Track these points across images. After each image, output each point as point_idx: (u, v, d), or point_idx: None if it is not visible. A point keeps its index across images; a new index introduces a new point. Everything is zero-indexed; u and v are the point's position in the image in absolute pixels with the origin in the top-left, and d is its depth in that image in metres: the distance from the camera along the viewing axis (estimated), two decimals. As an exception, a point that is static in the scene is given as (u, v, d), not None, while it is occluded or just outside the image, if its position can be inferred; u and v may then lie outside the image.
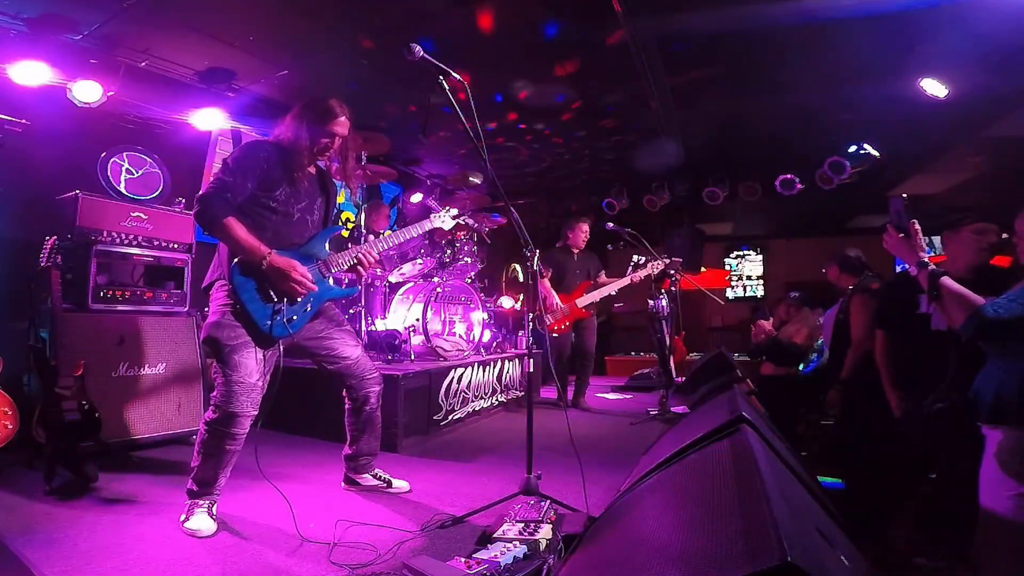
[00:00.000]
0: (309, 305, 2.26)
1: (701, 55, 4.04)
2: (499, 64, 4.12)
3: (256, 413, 2.15)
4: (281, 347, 2.23)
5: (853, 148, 5.67)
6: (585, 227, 5.03)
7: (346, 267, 2.36)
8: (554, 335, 4.75)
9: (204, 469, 2.11)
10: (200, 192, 2.11)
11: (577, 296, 4.83)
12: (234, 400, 2.08)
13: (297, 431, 3.58)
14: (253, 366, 2.12)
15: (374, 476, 2.59)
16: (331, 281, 2.34)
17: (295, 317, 2.21)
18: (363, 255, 2.37)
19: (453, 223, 2.84)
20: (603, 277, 5.06)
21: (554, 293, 4.76)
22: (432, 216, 2.81)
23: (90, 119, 3.70)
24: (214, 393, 2.13)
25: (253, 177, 2.17)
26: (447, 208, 2.88)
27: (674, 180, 6.80)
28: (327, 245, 2.37)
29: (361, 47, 3.84)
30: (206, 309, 2.24)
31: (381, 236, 2.59)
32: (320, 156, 2.31)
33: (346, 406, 2.52)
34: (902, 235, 1.76)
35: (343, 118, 2.28)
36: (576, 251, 5.04)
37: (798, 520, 0.92)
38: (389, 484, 2.58)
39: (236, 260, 2.11)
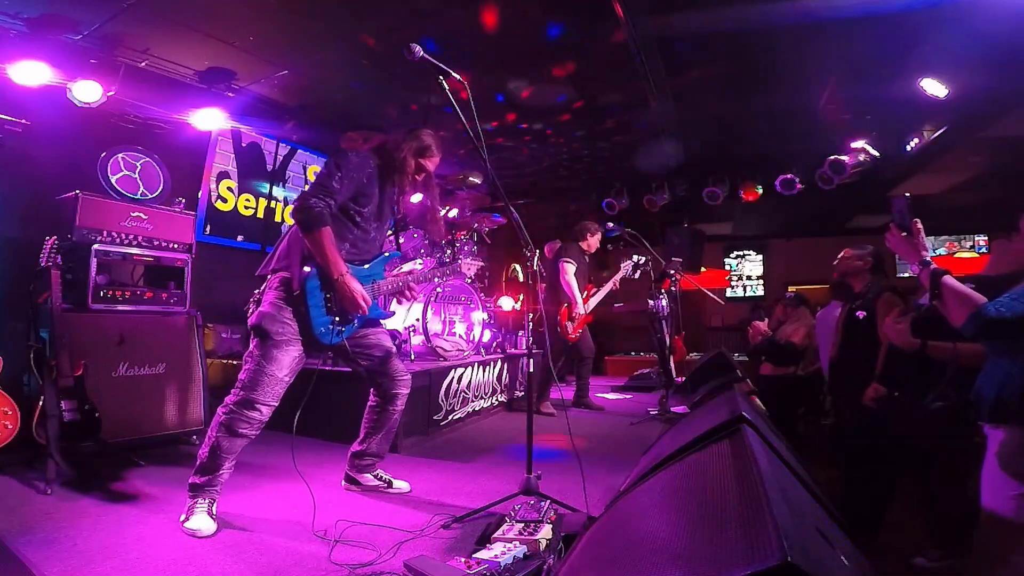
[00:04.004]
0: (356, 320, 2.36)
1: (701, 55, 4.04)
2: (499, 64, 4.12)
3: (276, 405, 2.19)
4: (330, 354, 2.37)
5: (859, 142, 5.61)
6: (599, 236, 5.01)
7: (390, 292, 2.50)
8: (568, 341, 4.74)
9: (212, 457, 2.12)
10: (305, 191, 2.19)
11: (586, 301, 4.84)
12: (259, 388, 2.13)
13: (298, 431, 3.58)
14: (288, 362, 2.19)
15: (375, 476, 2.60)
16: (378, 302, 2.45)
17: (344, 329, 2.32)
18: (408, 287, 2.51)
19: (476, 269, 3.10)
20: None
21: (580, 297, 4.72)
22: (462, 262, 3.05)
23: (90, 119, 3.70)
24: (240, 375, 2.17)
25: (353, 187, 2.27)
26: (469, 258, 3.07)
27: (674, 180, 6.80)
28: (383, 268, 2.48)
29: (361, 47, 3.84)
30: (256, 292, 2.29)
31: (427, 270, 2.80)
32: (407, 183, 2.44)
33: (371, 401, 2.56)
34: (905, 234, 1.76)
35: (437, 158, 2.47)
36: (587, 256, 5.01)
37: (798, 520, 0.92)
38: (390, 485, 2.59)
39: (312, 267, 2.19)
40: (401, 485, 2.61)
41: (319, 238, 2.15)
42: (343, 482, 2.63)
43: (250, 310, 2.24)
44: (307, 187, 2.25)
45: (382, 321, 2.58)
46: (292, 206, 2.21)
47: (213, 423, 2.17)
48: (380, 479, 2.60)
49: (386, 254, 2.52)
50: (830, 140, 5.66)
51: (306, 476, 2.33)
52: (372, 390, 2.55)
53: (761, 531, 0.80)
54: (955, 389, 2.04)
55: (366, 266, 2.40)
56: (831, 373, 3.49)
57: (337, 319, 2.26)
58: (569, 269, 4.65)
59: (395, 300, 2.68)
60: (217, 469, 2.13)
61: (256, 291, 2.29)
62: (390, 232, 2.76)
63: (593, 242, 4.96)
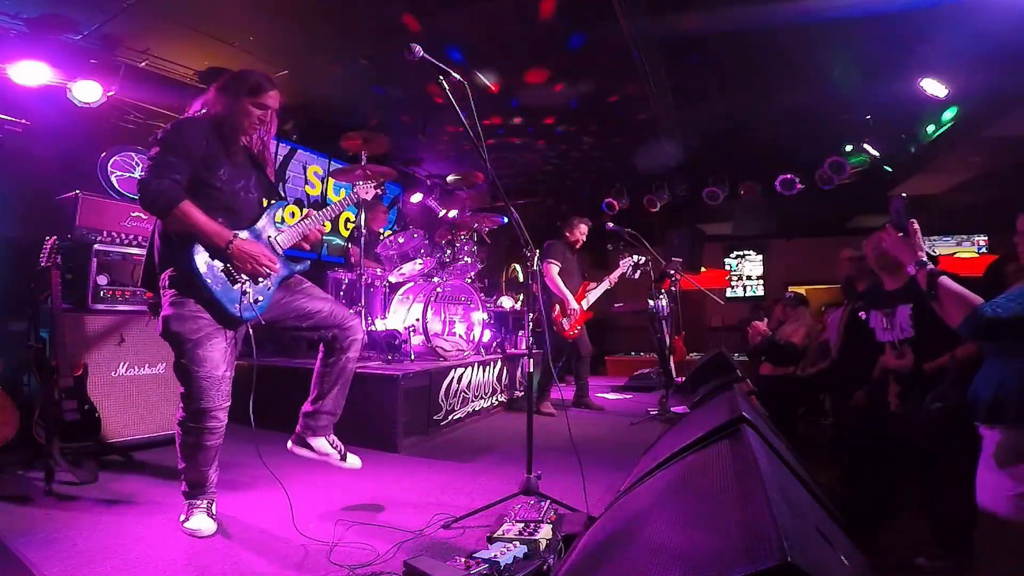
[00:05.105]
0: (270, 283, 2.18)
1: (701, 55, 4.04)
2: (499, 64, 4.12)
3: (229, 403, 2.07)
4: (251, 331, 2.14)
5: (850, 148, 5.67)
6: (585, 228, 4.97)
7: (293, 243, 2.29)
8: (567, 338, 4.74)
9: (191, 470, 2.07)
10: (141, 177, 1.95)
11: (582, 297, 4.83)
12: (204, 396, 1.99)
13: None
14: (219, 358, 2.03)
15: (330, 443, 2.38)
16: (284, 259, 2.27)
17: (260, 298, 2.13)
18: (310, 231, 2.32)
19: (374, 193, 2.82)
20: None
21: (570, 294, 4.71)
22: (357, 186, 2.76)
23: (90, 119, 3.70)
24: (181, 391, 2.04)
25: (195, 154, 2.01)
26: (370, 182, 2.85)
27: (674, 180, 6.80)
28: (274, 222, 2.27)
29: (361, 47, 3.85)
30: (151, 301, 2.10)
31: (325, 208, 2.45)
32: (252, 130, 2.20)
33: (320, 353, 2.34)
34: (901, 234, 1.76)
35: (275, 91, 2.19)
36: (575, 249, 5.00)
37: (798, 520, 0.92)
38: (344, 457, 2.40)
39: (197, 245, 1.99)
40: (354, 461, 2.43)
41: (184, 214, 1.92)
42: (291, 442, 2.38)
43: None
44: (140, 174, 2.06)
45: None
46: (137, 198, 1.95)
47: (177, 441, 2.07)
48: (335, 447, 2.38)
49: (271, 207, 2.27)
50: (830, 140, 5.67)
51: (305, 476, 2.33)
52: (321, 345, 2.32)
53: (761, 531, 0.80)
54: (956, 390, 2.04)
55: (254, 226, 2.17)
56: (836, 375, 3.49)
57: (247, 290, 2.07)
58: (552, 270, 4.63)
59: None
60: (204, 479, 2.09)
61: (150, 300, 2.12)
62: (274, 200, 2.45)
63: (578, 234, 4.89)
